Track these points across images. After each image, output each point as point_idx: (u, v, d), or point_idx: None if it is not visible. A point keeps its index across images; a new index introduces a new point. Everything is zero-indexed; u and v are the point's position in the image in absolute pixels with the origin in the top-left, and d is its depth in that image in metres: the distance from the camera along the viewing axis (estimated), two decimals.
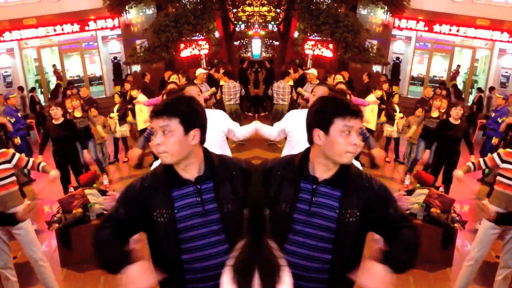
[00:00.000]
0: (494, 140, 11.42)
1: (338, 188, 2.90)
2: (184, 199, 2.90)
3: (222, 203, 2.93)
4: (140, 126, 11.93)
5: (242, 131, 6.36)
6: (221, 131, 6.09)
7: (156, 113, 2.84)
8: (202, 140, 2.93)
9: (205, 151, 3.02)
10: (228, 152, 6.26)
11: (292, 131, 6.06)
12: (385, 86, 14.63)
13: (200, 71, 13.63)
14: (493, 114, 12.20)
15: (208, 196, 2.92)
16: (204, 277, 2.94)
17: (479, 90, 19.77)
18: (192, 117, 2.86)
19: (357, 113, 2.84)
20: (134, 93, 12.39)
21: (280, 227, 2.95)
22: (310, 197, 2.91)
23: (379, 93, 12.55)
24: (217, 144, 5.92)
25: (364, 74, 16.05)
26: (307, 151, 3.02)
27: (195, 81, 13.60)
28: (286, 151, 6.24)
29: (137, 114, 12.19)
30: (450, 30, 20.56)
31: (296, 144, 5.87)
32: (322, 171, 2.93)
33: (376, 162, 11.78)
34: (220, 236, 2.92)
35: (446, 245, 7.36)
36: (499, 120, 11.55)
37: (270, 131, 6.38)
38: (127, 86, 14.35)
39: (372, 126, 12.24)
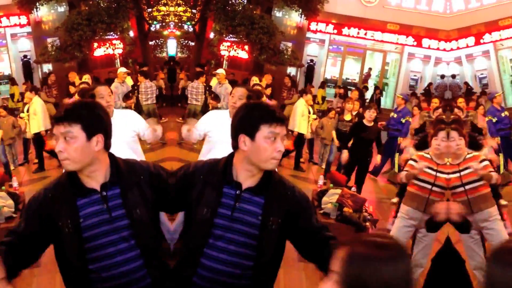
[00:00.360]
0: (400, 140, 11.81)
1: (261, 195, 2.91)
2: (90, 207, 2.81)
3: (131, 209, 2.86)
4: (33, 130, 11.42)
5: (148, 135, 6.30)
6: (132, 131, 6.05)
7: (57, 119, 2.76)
8: (107, 145, 2.85)
9: (111, 156, 2.93)
10: (139, 152, 6.21)
11: (211, 131, 6.09)
12: (312, 90, 14.91)
13: (121, 70, 13.42)
14: (394, 115, 12.55)
15: (115, 202, 2.85)
16: (114, 285, 2.87)
17: (378, 90, 20.48)
18: (94, 123, 2.78)
19: (283, 120, 2.87)
20: (27, 94, 11.77)
21: (200, 232, 2.92)
22: (233, 202, 2.90)
23: (309, 97, 12.72)
24: (128, 144, 5.88)
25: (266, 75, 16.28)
26: (231, 156, 3.00)
27: (116, 80, 13.39)
28: (205, 150, 6.25)
29: (31, 118, 11.57)
30: (358, 33, 21.12)
31: (215, 144, 5.93)
32: (246, 176, 2.93)
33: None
34: (129, 243, 2.85)
35: None
36: (403, 121, 11.97)
37: (195, 136, 6.36)
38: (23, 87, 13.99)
39: (304, 131, 12.37)
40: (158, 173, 3.07)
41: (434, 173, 5.90)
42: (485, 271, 1.75)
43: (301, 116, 12.21)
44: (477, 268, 5.90)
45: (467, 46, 20.65)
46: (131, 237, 2.85)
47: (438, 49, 20.81)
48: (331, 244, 2.93)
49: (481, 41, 20.50)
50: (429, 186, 5.93)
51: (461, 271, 5.86)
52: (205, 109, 13.35)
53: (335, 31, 21.25)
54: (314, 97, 13.65)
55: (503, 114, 11.89)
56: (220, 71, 13.74)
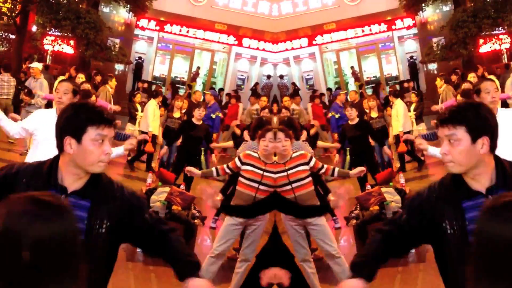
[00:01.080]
0: (214, 136, 12.37)
1: (88, 198, 2.77)
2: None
3: None
4: None
5: None
6: None
7: None
8: None
9: None
10: None
11: (36, 129, 5.83)
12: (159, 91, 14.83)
13: None
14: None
15: None
16: None
17: (189, 87, 20.93)
18: None
19: (111, 122, 2.77)
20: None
21: None
22: None
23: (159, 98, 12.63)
24: None
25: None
26: (56, 158, 2.84)
27: None
28: (31, 150, 6.05)
29: None
30: (180, 31, 21.34)
31: (39, 143, 5.74)
32: (72, 180, 2.78)
33: None
34: None
35: (187, 241, 7.55)
36: (213, 116, 13.01)
37: (11, 127, 6.06)
38: None
39: (156, 131, 12.15)
40: None
41: (261, 172, 6.05)
42: (482, 228, 1.78)
43: (153, 117, 12.08)
44: (304, 260, 6.15)
45: (301, 47, 21.78)
46: None
47: (258, 48, 21.62)
48: (170, 236, 2.96)
49: (314, 42, 21.65)
50: (256, 185, 6.07)
51: (290, 265, 6.09)
52: (16, 103, 12.97)
53: (158, 27, 21.29)
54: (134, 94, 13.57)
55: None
56: (35, 65, 13.18)
